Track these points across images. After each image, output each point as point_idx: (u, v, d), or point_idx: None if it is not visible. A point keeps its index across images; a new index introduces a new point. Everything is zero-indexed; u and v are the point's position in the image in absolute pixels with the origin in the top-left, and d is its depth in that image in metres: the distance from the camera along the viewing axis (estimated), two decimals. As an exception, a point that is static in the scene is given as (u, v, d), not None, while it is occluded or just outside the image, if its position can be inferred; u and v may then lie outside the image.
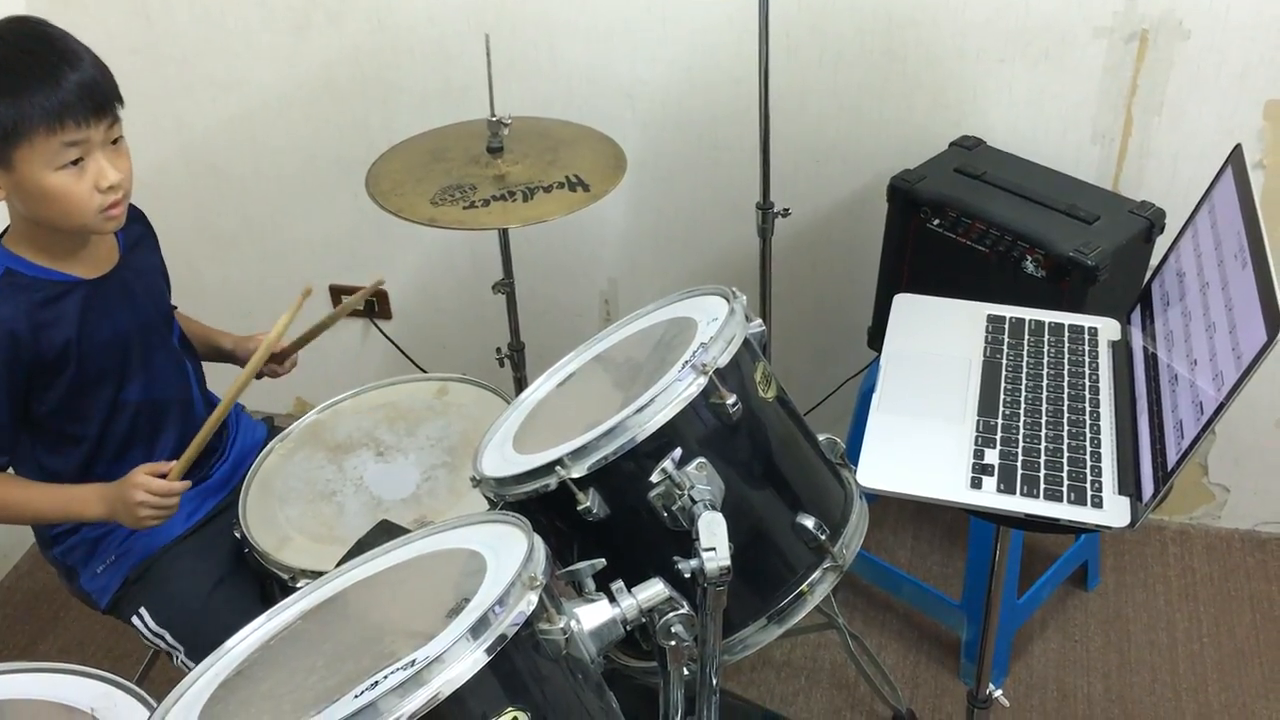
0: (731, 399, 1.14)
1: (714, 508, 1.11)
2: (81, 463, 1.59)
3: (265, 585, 1.61)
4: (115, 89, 1.45)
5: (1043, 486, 1.36)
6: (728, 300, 1.26)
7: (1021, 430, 1.44)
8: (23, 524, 1.63)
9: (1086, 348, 1.59)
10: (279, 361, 1.74)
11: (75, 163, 1.41)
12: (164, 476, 1.50)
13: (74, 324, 1.51)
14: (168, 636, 1.61)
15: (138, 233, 1.65)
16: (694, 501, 1.10)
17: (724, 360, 1.16)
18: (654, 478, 1.11)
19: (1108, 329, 1.62)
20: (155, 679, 1.93)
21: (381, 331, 2.62)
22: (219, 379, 1.80)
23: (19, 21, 1.44)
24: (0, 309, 1.45)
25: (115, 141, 1.46)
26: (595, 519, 1.14)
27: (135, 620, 1.63)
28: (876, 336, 2.13)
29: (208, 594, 1.61)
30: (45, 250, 1.50)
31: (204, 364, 1.77)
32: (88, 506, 1.54)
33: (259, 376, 1.78)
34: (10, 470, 1.56)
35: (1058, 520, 1.33)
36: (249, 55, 2.31)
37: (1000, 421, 1.46)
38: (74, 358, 1.51)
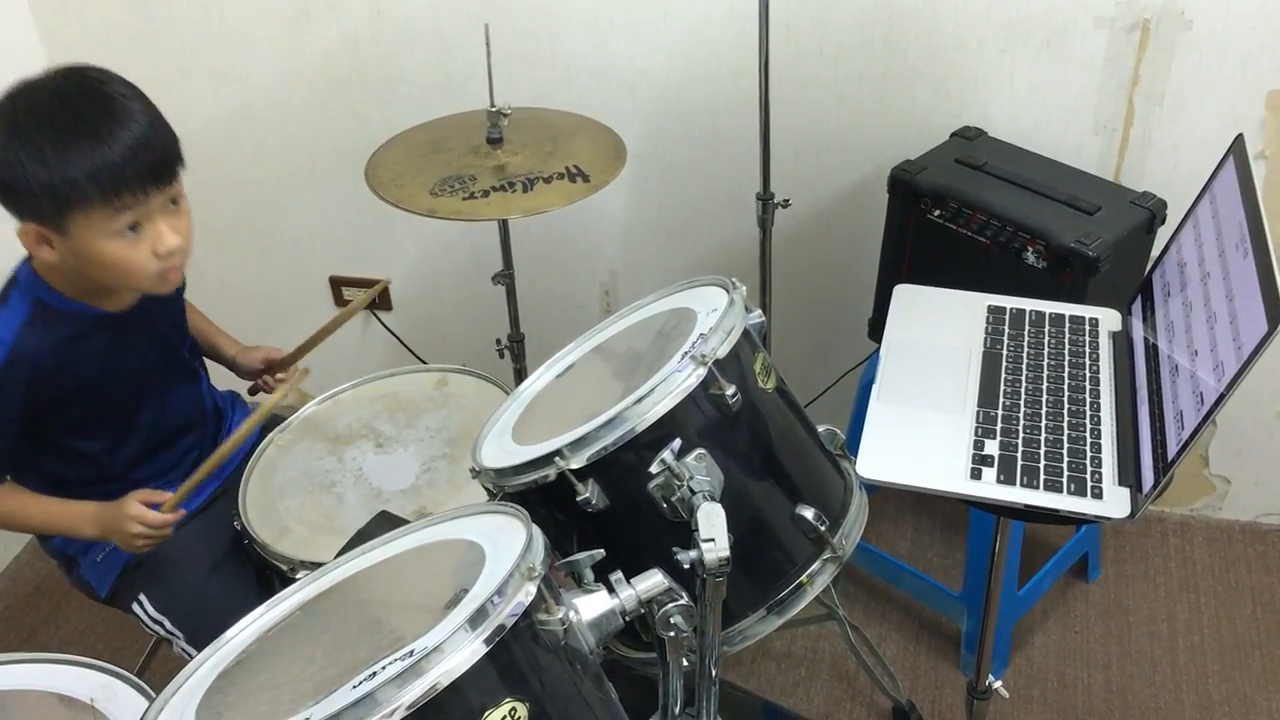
0: (731, 390, 1.14)
1: (713, 499, 1.11)
2: (91, 475, 1.58)
3: (264, 572, 1.61)
4: (174, 149, 1.38)
5: (1043, 477, 1.36)
6: (727, 291, 1.26)
7: (1022, 421, 1.44)
8: (19, 532, 1.63)
9: (1087, 338, 1.58)
10: (272, 374, 1.76)
11: (132, 228, 1.36)
12: (158, 506, 1.50)
13: (98, 360, 1.49)
14: (166, 623, 1.61)
15: None
16: (693, 492, 1.10)
17: (723, 351, 1.16)
18: (653, 468, 1.11)
19: (1108, 320, 1.62)
20: (156, 670, 1.94)
21: (381, 322, 2.62)
22: (220, 378, 1.81)
23: (73, 74, 1.36)
24: (28, 340, 1.43)
25: (175, 201, 1.40)
26: (594, 510, 1.14)
27: (135, 607, 1.63)
28: (877, 327, 2.13)
29: (205, 579, 1.61)
30: (76, 285, 1.46)
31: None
32: (82, 526, 1.54)
33: (253, 392, 1.79)
34: (9, 479, 1.55)
35: (1058, 511, 1.33)
36: (248, 45, 2.31)
37: (1000, 412, 1.46)
38: (93, 391, 1.50)
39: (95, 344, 1.49)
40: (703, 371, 1.13)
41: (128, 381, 1.55)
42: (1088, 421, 1.44)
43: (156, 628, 1.62)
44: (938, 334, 1.61)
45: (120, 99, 1.36)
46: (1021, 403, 1.47)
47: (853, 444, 1.38)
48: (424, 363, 2.45)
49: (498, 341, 2.23)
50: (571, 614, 0.98)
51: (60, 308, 1.46)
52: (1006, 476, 1.37)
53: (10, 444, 1.49)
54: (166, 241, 1.38)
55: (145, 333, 1.56)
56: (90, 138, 1.31)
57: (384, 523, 1.31)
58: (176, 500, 1.52)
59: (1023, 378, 1.52)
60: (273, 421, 1.80)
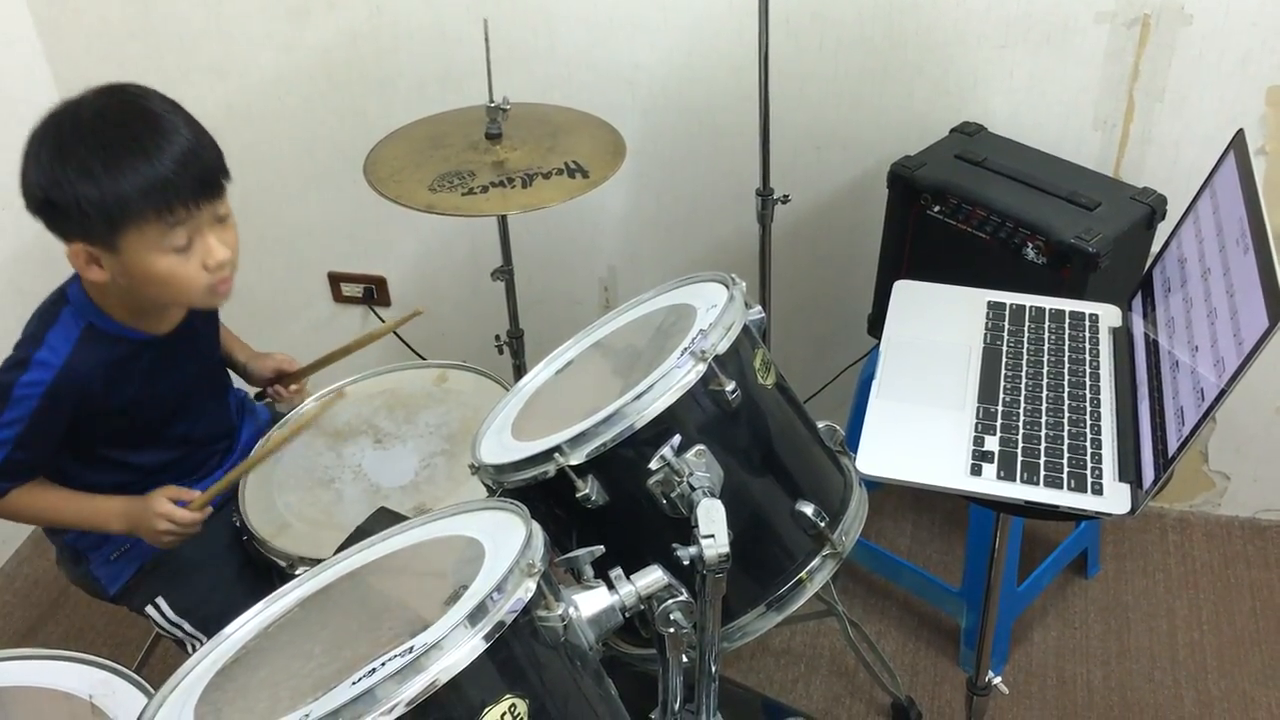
0: (730, 386, 1.14)
1: (713, 495, 1.10)
2: (113, 482, 1.58)
3: (263, 568, 1.61)
4: (221, 162, 1.41)
5: (1043, 473, 1.36)
6: (727, 287, 1.26)
7: (1022, 417, 1.44)
8: (44, 526, 1.64)
9: (1087, 334, 1.58)
10: (285, 386, 1.77)
11: (184, 243, 1.37)
12: (185, 503, 1.52)
13: (142, 381, 1.51)
14: (186, 625, 1.61)
15: None
16: (693, 489, 1.10)
17: (723, 347, 1.15)
18: (653, 465, 1.11)
19: (1109, 315, 1.62)
20: (155, 666, 1.94)
21: (380, 319, 2.61)
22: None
23: (115, 92, 1.38)
24: (79, 362, 1.44)
25: (222, 218, 1.42)
26: (594, 506, 1.14)
27: (150, 610, 1.63)
28: (876, 323, 2.12)
29: (231, 583, 1.61)
30: (126, 308, 1.48)
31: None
32: (110, 521, 1.55)
33: (260, 398, 1.79)
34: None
35: (1058, 507, 1.33)
36: (246, 41, 2.30)
37: (1000, 408, 1.46)
38: (133, 410, 1.52)
39: (140, 365, 1.51)
40: (702, 368, 1.13)
41: (168, 400, 1.57)
42: (1088, 417, 1.44)
43: (174, 630, 1.62)
44: (937, 330, 1.61)
45: (165, 115, 1.37)
46: (1021, 399, 1.47)
47: (852, 440, 1.37)
48: (423, 359, 2.44)
49: (497, 338, 2.22)
50: (571, 610, 0.98)
51: (110, 332, 1.47)
52: (1006, 472, 1.36)
53: (49, 456, 1.50)
54: (216, 255, 1.40)
55: (187, 352, 1.58)
56: (140, 154, 1.32)
57: (383, 519, 1.31)
58: (205, 499, 1.53)
59: (1023, 374, 1.52)
60: (273, 418, 1.80)
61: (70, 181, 1.31)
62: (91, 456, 1.56)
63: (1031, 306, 1.64)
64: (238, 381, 1.80)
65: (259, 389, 1.80)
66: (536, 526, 1.00)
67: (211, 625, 1.59)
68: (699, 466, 1.11)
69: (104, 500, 1.55)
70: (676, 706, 1.16)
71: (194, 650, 1.60)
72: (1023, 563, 2.04)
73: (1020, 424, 1.43)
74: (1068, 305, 1.64)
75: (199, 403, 1.64)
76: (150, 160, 1.32)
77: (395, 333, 2.56)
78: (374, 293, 2.59)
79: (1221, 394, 1.19)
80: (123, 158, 1.31)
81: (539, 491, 1.16)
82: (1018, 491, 1.35)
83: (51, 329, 1.46)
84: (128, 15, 2.30)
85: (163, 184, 1.32)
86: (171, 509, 1.50)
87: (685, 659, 1.12)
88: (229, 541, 1.63)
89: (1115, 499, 1.32)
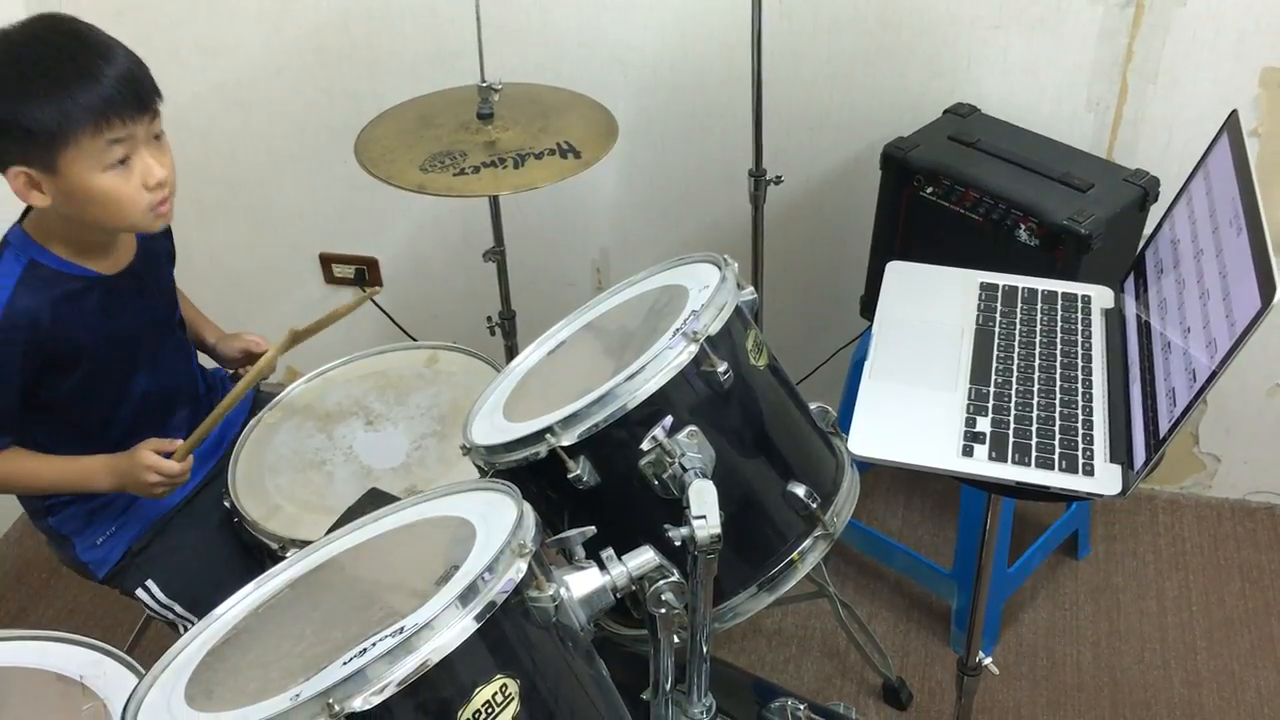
0: (723, 367, 1.13)
1: (705, 476, 1.10)
2: (83, 451, 1.57)
3: (253, 550, 1.61)
4: (154, 83, 1.42)
5: (1034, 454, 1.36)
6: (719, 268, 1.25)
7: (1014, 398, 1.44)
8: (30, 494, 1.63)
9: (1079, 316, 1.58)
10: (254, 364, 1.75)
11: (122, 162, 1.38)
12: (168, 455, 1.51)
13: (92, 323, 1.50)
14: (177, 608, 1.61)
15: None
16: (685, 469, 1.10)
17: (715, 328, 1.15)
18: (644, 445, 1.11)
19: (1101, 297, 1.62)
20: (146, 647, 1.94)
21: (372, 300, 2.60)
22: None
23: (49, 19, 1.40)
24: (24, 300, 1.43)
25: (157, 137, 1.43)
26: (585, 487, 1.14)
27: (140, 592, 1.63)
28: (869, 305, 2.12)
29: (222, 564, 1.61)
30: (70, 245, 1.48)
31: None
32: (97, 479, 1.54)
33: (233, 377, 1.78)
34: (12, 444, 1.54)
35: (1049, 488, 1.33)
36: (235, 20, 2.28)
37: (992, 389, 1.46)
38: (88, 355, 1.51)
39: (89, 305, 1.50)
40: (694, 348, 1.13)
41: (122, 346, 1.55)
42: (1079, 399, 1.44)
43: (165, 613, 1.62)
44: (930, 311, 1.61)
45: (96, 36, 1.40)
46: (1014, 380, 1.47)
47: (844, 421, 1.37)
48: (414, 340, 2.43)
49: (489, 319, 2.22)
50: (563, 591, 0.97)
51: (53, 267, 1.47)
52: (998, 454, 1.37)
53: (14, 403, 1.49)
54: (155, 173, 1.41)
55: (137, 296, 1.57)
56: (78, 73, 1.34)
57: (374, 500, 1.31)
58: (189, 448, 1.53)
59: (1015, 355, 1.52)
60: (262, 400, 1.79)
61: (10, 100, 1.33)
62: (57, 424, 1.55)
63: (1024, 288, 1.63)
64: (210, 364, 1.79)
65: (231, 371, 1.79)
66: (528, 507, 0.99)
67: (202, 607, 1.58)
68: (691, 447, 1.11)
69: (87, 460, 1.55)
70: (668, 687, 1.17)
71: (186, 632, 1.61)
72: (1013, 544, 2.05)
73: (1012, 405, 1.43)
74: (1060, 287, 1.64)
75: (156, 350, 1.62)
76: (89, 78, 1.34)
77: (386, 314, 2.57)
78: (365, 274, 2.58)
79: (1213, 375, 1.19)
80: (62, 76, 1.33)
81: (530, 472, 1.16)
82: (1009, 472, 1.35)
83: None
84: (116, -7, 2.28)
85: (101, 99, 1.34)
86: (158, 460, 1.50)
87: (677, 640, 1.12)
88: (219, 524, 1.63)
89: (1106, 480, 1.32)
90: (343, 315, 1.67)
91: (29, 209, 1.48)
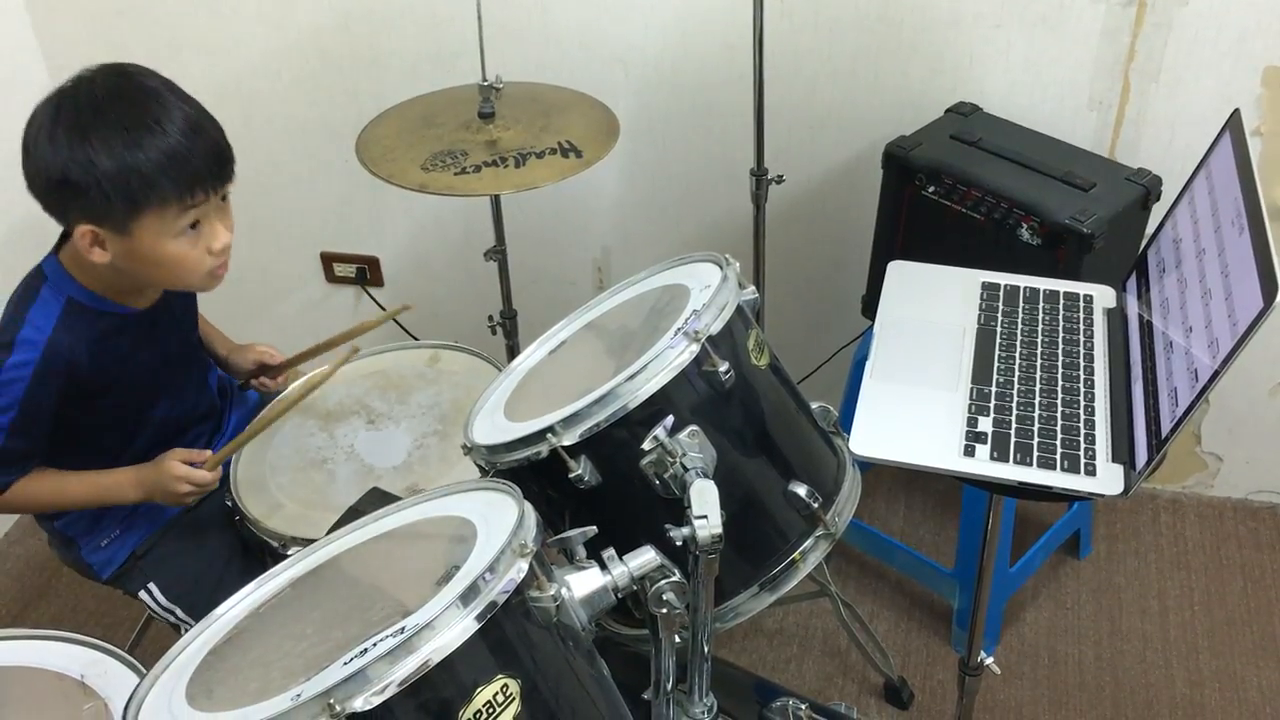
0: (724, 366, 1.13)
1: (706, 475, 1.10)
2: (95, 469, 1.57)
3: (255, 549, 1.61)
4: (232, 151, 1.41)
5: (1036, 454, 1.36)
6: (721, 267, 1.25)
7: (1015, 398, 1.44)
8: (56, 511, 1.63)
9: (1081, 315, 1.58)
10: (272, 377, 1.76)
11: (192, 226, 1.38)
12: (197, 465, 1.52)
13: (125, 356, 1.50)
14: (178, 611, 1.61)
15: None
16: (686, 469, 1.10)
17: (716, 327, 1.15)
18: (646, 445, 1.11)
19: (1103, 296, 1.62)
20: (147, 647, 1.94)
21: (373, 299, 2.60)
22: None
23: (127, 74, 1.36)
24: (63, 338, 1.43)
25: (224, 198, 1.42)
26: (586, 487, 1.14)
27: (143, 594, 1.63)
28: (870, 304, 2.12)
29: (222, 570, 1.61)
30: (107, 284, 1.47)
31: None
32: (125, 491, 1.54)
33: (243, 387, 1.78)
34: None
35: (1051, 488, 1.33)
36: (237, 19, 2.28)
37: (994, 389, 1.45)
38: (117, 386, 1.51)
39: (123, 341, 1.50)
40: (696, 348, 1.12)
41: (148, 377, 1.56)
42: (1081, 398, 1.44)
43: (167, 616, 1.62)
44: (932, 311, 1.61)
45: (179, 96, 1.37)
46: (1015, 379, 1.47)
47: (846, 421, 1.37)
48: (416, 339, 2.44)
49: (490, 318, 2.22)
50: (564, 591, 0.97)
51: (90, 306, 1.46)
52: (1000, 453, 1.36)
53: (45, 437, 1.48)
54: (221, 239, 1.41)
55: (165, 329, 1.57)
56: (168, 149, 1.32)
57: (376, 499, 1.31)
58: (219, 459, 1.53)
59: (1017, 354, 1.51)
60: (264, 399, 1.79)
61: (89, 162, 1.30)
62: (77, 451, 1.54)
63: (1026, 287, 1.63)
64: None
65: (242, 382, 1.79)
66: (529, 507, 0.99)
67: (202, 613, 1.58)
68: (692, 447, 1.11)
69: (114, 473, 1.54)
70: (669, 687, 1.17)
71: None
72: (1015, 544, 2.05)
73: (1014, 405, 1.43)
74: (1062, 286, 1.64)
75: (178, 381, 1.63)
76: (179, 155, 1.32)
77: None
78: (367, 273, 2.58)
79: (1215, 375, 1.19)
80: (150, 145, 1.31)
81: (531, 472, 1.16)
82: (1011, 472, 1.35)
83: (32, 306, 1.44)
84: (117, -8, 2.28)
85: (190, 175, 1.33)
86: (189, 470, 1.50)
87: (678, 639, 1.12)
88: (221, 525, 1.63)
89: (1108, 480, 1.32)
90: (371, 328, 1.71)
91: (64, 238, 1.46)
